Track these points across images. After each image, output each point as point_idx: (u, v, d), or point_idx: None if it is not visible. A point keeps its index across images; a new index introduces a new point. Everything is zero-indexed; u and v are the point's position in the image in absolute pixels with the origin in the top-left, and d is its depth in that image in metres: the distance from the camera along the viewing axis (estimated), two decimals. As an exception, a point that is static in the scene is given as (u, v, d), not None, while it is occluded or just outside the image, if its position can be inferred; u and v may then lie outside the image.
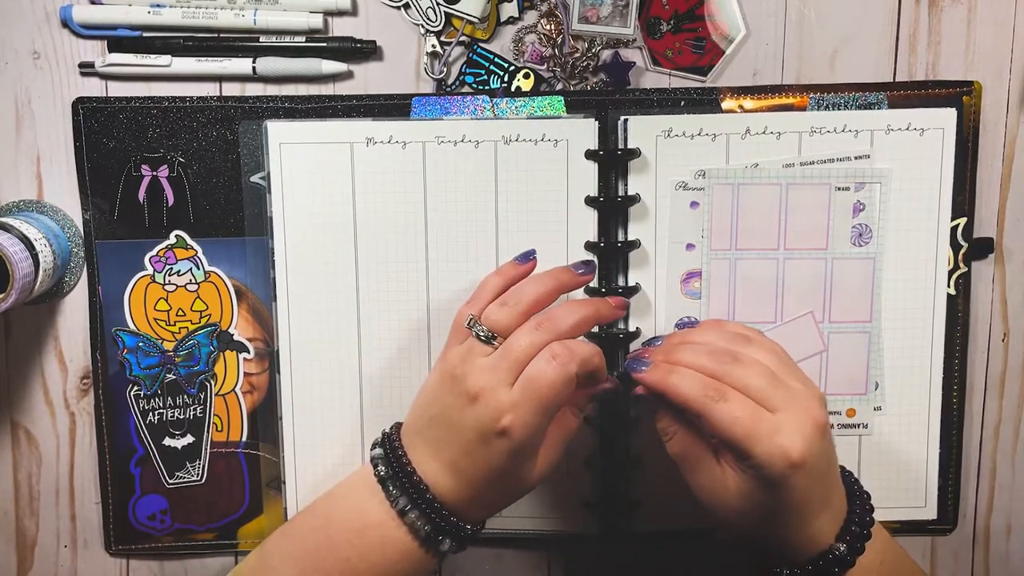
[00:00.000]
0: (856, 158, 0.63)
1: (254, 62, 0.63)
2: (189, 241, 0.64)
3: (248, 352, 0.65)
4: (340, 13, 0.63)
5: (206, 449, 0.66)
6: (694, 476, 0.53)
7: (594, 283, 0.64)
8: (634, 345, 0.64)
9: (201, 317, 0.65)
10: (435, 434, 0.54)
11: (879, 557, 0.54)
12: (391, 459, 0.55)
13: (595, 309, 0.56)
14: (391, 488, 0.54)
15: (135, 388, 0.65)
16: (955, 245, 0.65)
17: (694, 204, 0.63)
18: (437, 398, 0.54)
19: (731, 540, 0.55)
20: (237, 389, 0.66)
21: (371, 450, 0.57)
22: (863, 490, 0.55)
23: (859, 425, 0.66)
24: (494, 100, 0.63)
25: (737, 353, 0.52)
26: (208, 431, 0.66)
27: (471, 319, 0.54)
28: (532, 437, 0.52)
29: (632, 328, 0.64)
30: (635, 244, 0.63)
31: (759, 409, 0.50)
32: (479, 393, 0.52)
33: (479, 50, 0.64)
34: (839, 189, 0.63)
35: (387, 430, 0.58)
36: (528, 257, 0.58)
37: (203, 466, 0.66)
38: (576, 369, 0.52)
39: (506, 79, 0.64)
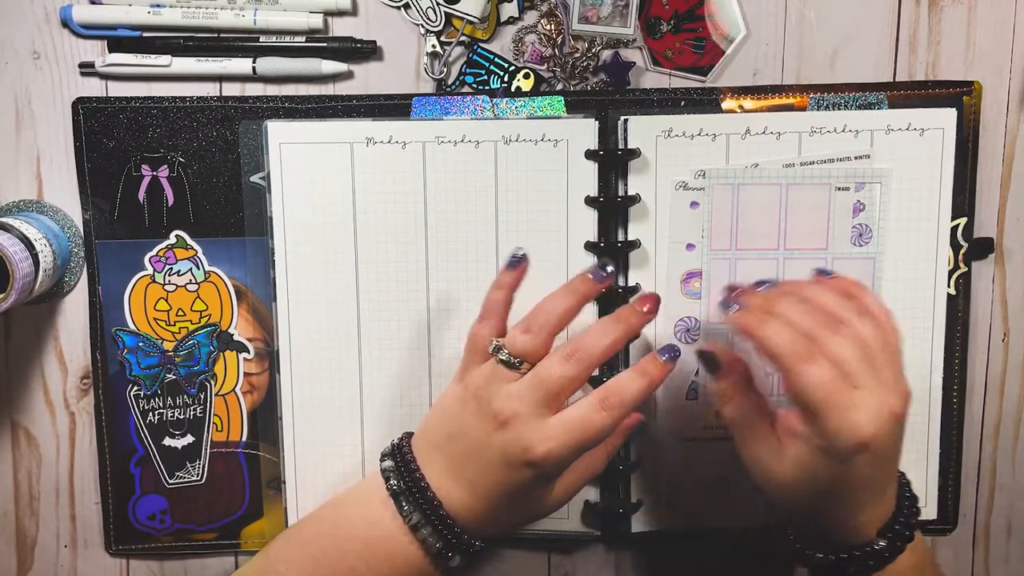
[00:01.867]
0: (856, 158, 0.63)
1: (254, 62, 0.63)
2: (189, 241, 0.64)
3: (248, 352, 0.65)
4: (340, 13, 0.63)
5: (206, 449, 0.66)
6: (748, 444, 0.53)
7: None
8: (635, 346, 0.64)
9: (201, 317, 0.65)
10: (455, 451, 0.53)
11: (911, 560, 0.53)
12: (403, 473, 0.54)
13: (626, 326, 0.54)
14: (404, 503, 0.54)
15: (135, 388, 0.65)
16: (955, 245, 0.65)
17: (694, 204, 0.63)
18: (458, 416, 0.54)
19: (767, 527, 0.55)
20: (237, 389, 0.66)
21: (380, 461, 0.56)
22: (914, 494, 0.54)
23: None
24: (494, 100, 0.63)
25: (841, 321, 0.50)
26: (208, 431, 0.66)
27: (495, 345, 0.53)
28: (561, 470, 0.52)
29: (632, 328, 0.64)
30: (635, 244, 0.63)
31: (843, 381, 0.48)
32: (510, 419, 0.51)
33: (479, 50, 0.64)
34: (839, 189, 0.63)
35: (396, 441, 0.57)
36: (517, 261, 0.56)
37: (203, 466, 0.66)
38: (624, 415, 0.52)
39: (506, 79, 0.64)
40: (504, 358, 0.53)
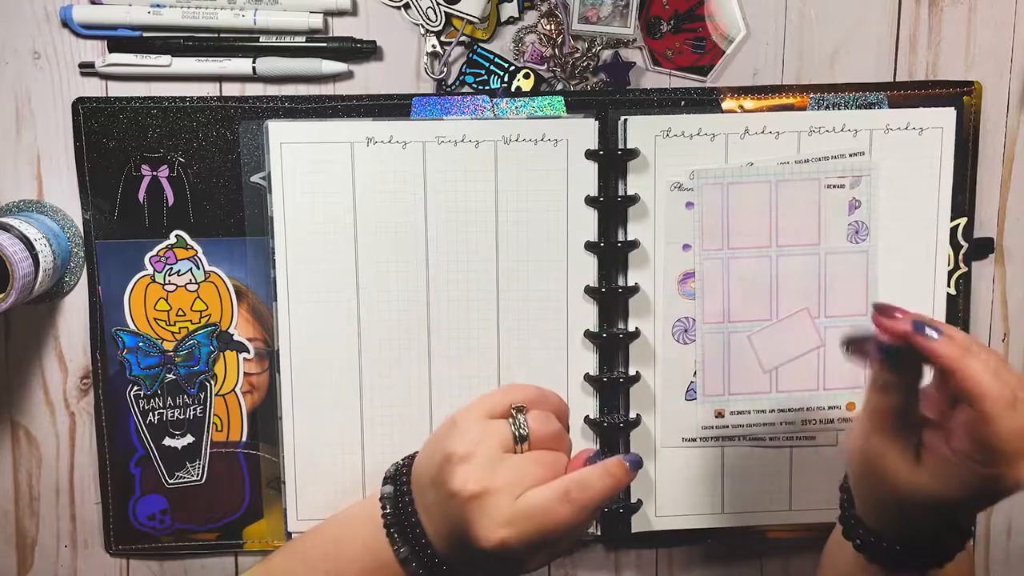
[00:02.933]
0: (851, 155, 0.63)
1: (254, 62, 0.63)
2: (189, 241, 0.64)
3: (248, 352, 0.65)
4: (340, 13, 0.63)
5: (206, 449, 0.66)
6: (881, 442, 0.49)
7: (594, 283, 0.64)
8: (635, 346, 0.64)
9: (201, 317, 0.65)
10: (433, 501, 0.52)
11: (967, 551, 0.53)
12: (399, 502, 0.53)
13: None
14: (395, 534, 0.53)
15: (135, 388, 0.65)
16: (955, 245, 0.65)
17: (689, 204, 0.63)
18: (436, 465, 0.52)
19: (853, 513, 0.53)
20: (237, 389, 0.66)
21: (382, 484, 0.55)
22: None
23: (859, 424, 0.66)
24: (494, 100, 0.63)
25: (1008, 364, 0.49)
26: (208, 431, 0.66)
27: (519, 407, 0.52)
28: (522, 555, 0.51)
29: (632, 328, 0.64)
30: (635, 244, 0.63)
31: None
32: (480, 494, 0.49)
33: (479, 50, 0.64)
34: (833, 187, 0.63)
35: (400, 464, 0.56)
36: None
37: (203, 466, 0.66)
38: (587, 515, 0.50)
39: (506, 79, 0.64)
40: (519, 430, 0.51)
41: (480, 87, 0.64)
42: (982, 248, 0.66)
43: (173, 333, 0.65)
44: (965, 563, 0.54)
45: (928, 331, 0.48)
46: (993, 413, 0.46)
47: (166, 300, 0.64)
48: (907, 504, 0.50)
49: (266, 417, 0.66)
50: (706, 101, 0.64)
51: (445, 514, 0.51)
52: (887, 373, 0.49)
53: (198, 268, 0.64)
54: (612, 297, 0.64)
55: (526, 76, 0.64)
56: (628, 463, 0.52)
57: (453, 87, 0.64)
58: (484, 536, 0.49)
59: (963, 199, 0.65)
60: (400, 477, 0.55)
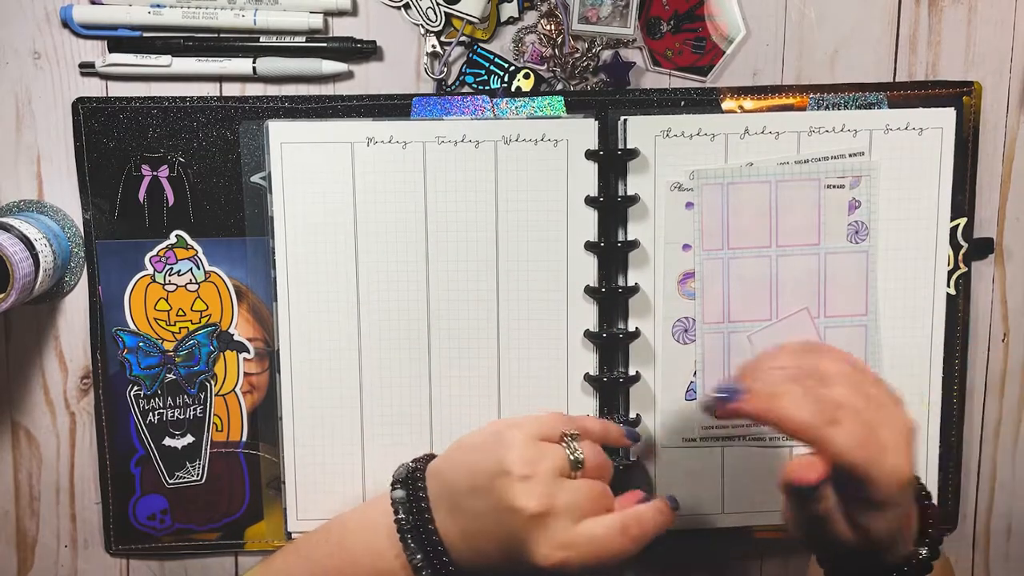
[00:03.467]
0: (851, 155, 0.63)
1: (254, 62, 0.63)
2: (189, 241, 0.64)
3: (248, 352, 0.65)
4: (340, 13, 0.63)
5: (206, 449, 0.66)
6: (816, 532, 0.50)
7: (594, 283, 0.64)
8: (635, 346, 0.64)
9: (201, 317, 0.65)
10: (472, 507, 0.52)
11: (941, 560, 0.53)
12: (413, 508, 0.53)
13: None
14: (410, 540, 0.53)
15: (135, 388, 0.65)
16: (955, 245, 0.65)
17: (689, 205, 0.63)
18: (488, 477, 0.52)
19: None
20: (237, 389, 0.66)
21: (392, 487, 0.55)
22: (927, 491, 0.54)
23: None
24: (494, 100, 0.63)
25: (817, 370, 0.49)
26: (208, 431, 0.66)
27: (573, 435, 0.54)
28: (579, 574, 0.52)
29: (632, 328, 0.64)
30: (634, 244, 0.63)
31: (869, 430, 0.47)
32: (547, 512, 0.51)
33: (479, 50, 0.64)
34: (833, 187, 0.63)
35: (412, 466, 0.56)
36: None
37: (203, 466, 0.66)
38: (640, 547, 0.53)
39: (506, 79, 0.64)
40: (574, 456, 0.53)
41: (480, 87, 0.64)
42: (982, 248, 0.66)
43: (173, 333, 0.65)
44: (941, 570, 0.53)
45: (733, 398, 0.49)
46: (821, 436, 0.46)
47: (166, 300, 0.64)
48: (850, 551, 0.50)
49: (266, 417, 0.66)
50: (706, 101, 0.64)
51: (497, 525, 0.51)
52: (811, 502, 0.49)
53: (198, 268, 0.64)
54: (612, 297, 0.64)
55: (526, 76, 0.64)
56: (671, 504, 0.55)
57: (453, 87, 0.64)
58: (544, 554, 0.51)
59: (963, 199, 0.65)
60: (414, 482, 0.54)
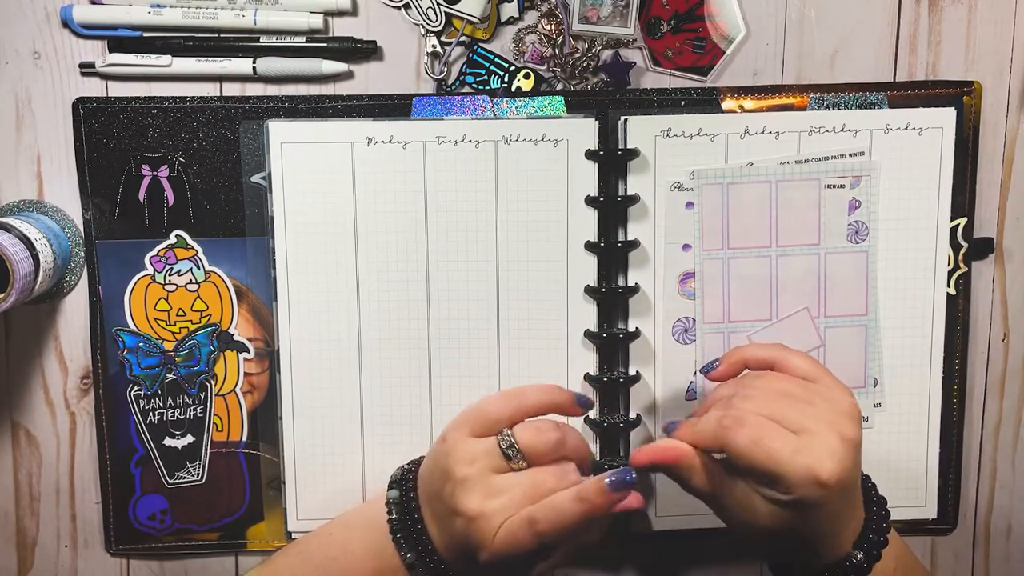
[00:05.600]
0: (851, 155, 0.63)
1: (254, 62, 0.63)
2: (189, 241, 0.64)
3: (248, 352, 0.65)
4: (340, 13, 0.63)
5: (206, 449, 0.66)
6: (723, 508, 0.52)
7: (594, 283, 0.64)
8: (635, 346, 0.64)
9: (201, 317, 0.65)
10: (440, 512, 0.53)
11: (893, 563, 0.53)
12: (404, 508, 0.54)
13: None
14: (401, 539, 0.54)
15: (135, 388, 0.65)
16: (955, 245, 0.65)
17: (689, 205, 0.63)
18: (438, 482, 0.53)
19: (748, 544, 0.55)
20: (237, 389, 0.66)
21: (388, 488, 0.56)
22: (880, 496, 0.54)
23: (859, 420, 0.66)
24: (494, 100, 0.63)
25: (746, 385, 0.52)
26: (208, 431, 0.66)
27: (506, 440, 0.53)
28: (521, 567, 0.52)
29: (632, 328, 0.64)
30: (635, 244, 0.63)
31: (780, 430, 0.48)
32: (480, 515, 0.51)
33: (479, 50, 0.64)
34: (833, 186, 0.63)
35: (406, 468, 0.57)
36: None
37: (203, 466, 0.66)
38: (558, 537, 0.51)
39: (506, 79, 0.64)
40: (505, 447, 0.52)
41: (480, 87, 0.64)
42: (982, 248, 0.66)
43: (173, 333, 0.65)
44: (893, 560, 0.53)
45: (670, 431, 0.52)
46: (725, 441, 0.49)
47: (166, 300, 0.64)
48: (773, 547, 0.53)
49: (266, 417, 0.66)
50: (706, 101, 0.64)
51: (454, 526, 0.52)
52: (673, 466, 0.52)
53: (198, 268, 0.64)
54: (612, 297, 0.64)
55: (526, 76, 0.64)
56: (609, 485, 0.51)
57: (453, 87, 0.64)
58: (481, 556, 0.51)
59: (963, 199, 0.65)
60: (406, 483, 0.55)
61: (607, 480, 0.51)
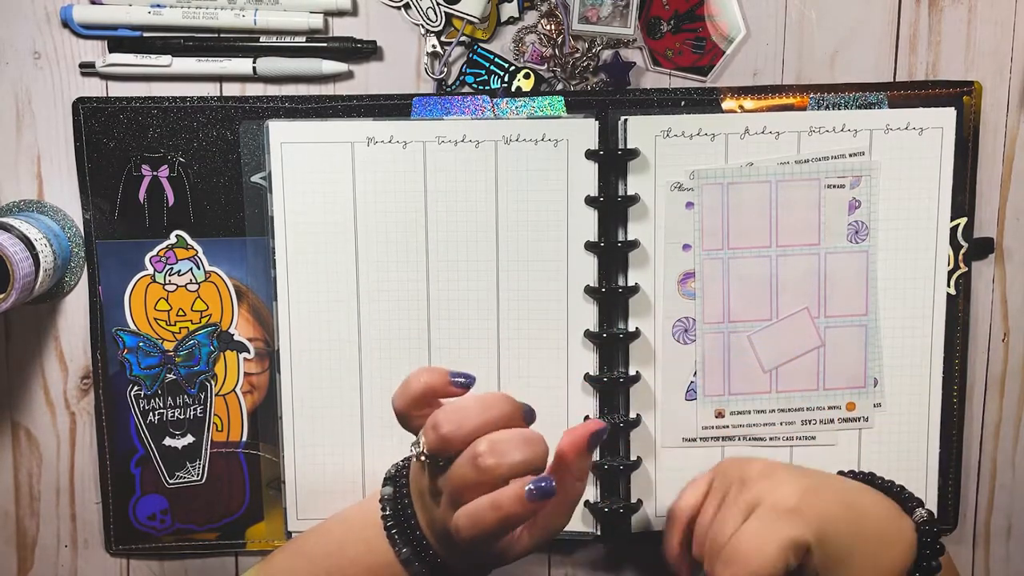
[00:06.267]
0: (851, 155, 0.63)
1: (254, 62, 0.63)
2: (189, 241, 0.64)
3: (248, 352, 0.65)
4: (340, 13, 0.63)
5: (206, 449, 0.66)
6: None
7: (594, 283, 0.64)
8: (635, 346, 0.64)
9: (201, 317, 0.65)
10: (428, 506, 0.53)
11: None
12: (398, 503, 0.54)
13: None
14: (395, 535, 0.53)
15: (135, 388, 0.65)
16: (955, 245, 0.65)
17: (689, 204, 0.63)
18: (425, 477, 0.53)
19: None
20: (237, 389, 0.66)
21: (382, 485, 0.56)
22: (935, 533, 0.52)
23: (860, 419, 0.66)
24: (494, 100, 0.63)
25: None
26: (208, 431, 0.66)
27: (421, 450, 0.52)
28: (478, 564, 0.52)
29: (632, 328, 0.64)
30: (635, 244, 0.63)
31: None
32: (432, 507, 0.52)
33: (479, 50, 0.64)
34: (833, 186, 0.64)
35: (400, 464, 0.56)
36: (465, 382, 0.52)
37: (203, 466, 0.66)
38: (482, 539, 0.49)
39: (506, 79, 0.64)
40: (418, 456, 0.51)
41: (480, 87, 0.64)
42: (982, 248, 0.66)
43: (173, 333, 0.65)
44: None
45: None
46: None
47: (166, 300, 0.64)
48: None
49: (266, 417, 0.66)
50: (706, 101, 0.64)
51: (431, 513, 0.52)
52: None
53: (198, 268, 0.64)
54: (612, 297, 0.64)
55: (526, 76, 0.64)
56: (528, 494, 0.47)
57: (453, 87, 0.64)
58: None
59: (963, 199, 0.65)
60: (400, 479, 0.55)
61: (528, 489, 0.47)
